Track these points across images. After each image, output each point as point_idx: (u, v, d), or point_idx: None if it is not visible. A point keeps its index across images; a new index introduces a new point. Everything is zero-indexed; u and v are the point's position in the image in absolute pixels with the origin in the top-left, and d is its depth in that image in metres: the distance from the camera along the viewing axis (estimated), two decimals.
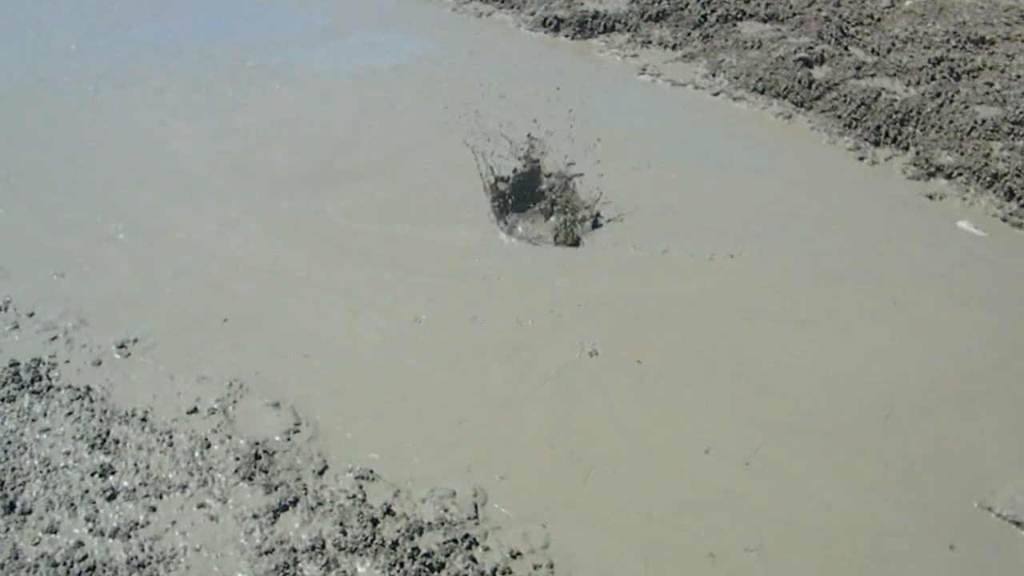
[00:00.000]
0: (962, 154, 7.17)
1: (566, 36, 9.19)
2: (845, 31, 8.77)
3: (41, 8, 10.21)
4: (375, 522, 4.23)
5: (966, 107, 7.61)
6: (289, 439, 4.72)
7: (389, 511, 4.30)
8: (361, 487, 4.45)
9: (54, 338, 5.43)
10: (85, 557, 4.04)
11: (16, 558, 4.04)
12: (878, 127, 7.54)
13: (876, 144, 7.45)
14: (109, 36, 9.43)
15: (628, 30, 9.16)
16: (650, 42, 8.97)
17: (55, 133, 7.68)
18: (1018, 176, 6.86)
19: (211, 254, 6.22)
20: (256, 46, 9.19)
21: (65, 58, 9.01)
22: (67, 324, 5.54)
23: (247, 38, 9.40)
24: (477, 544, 4.17)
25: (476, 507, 4.37)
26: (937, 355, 5.38)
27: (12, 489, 4.39)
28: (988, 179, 6.93)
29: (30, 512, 4.28)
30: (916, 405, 5.02)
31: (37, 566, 4.00)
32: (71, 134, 7.66)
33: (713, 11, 9.21)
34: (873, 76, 8.16)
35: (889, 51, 8.46)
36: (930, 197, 6.89)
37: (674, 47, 8.88)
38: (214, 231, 6.46)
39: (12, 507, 4.30)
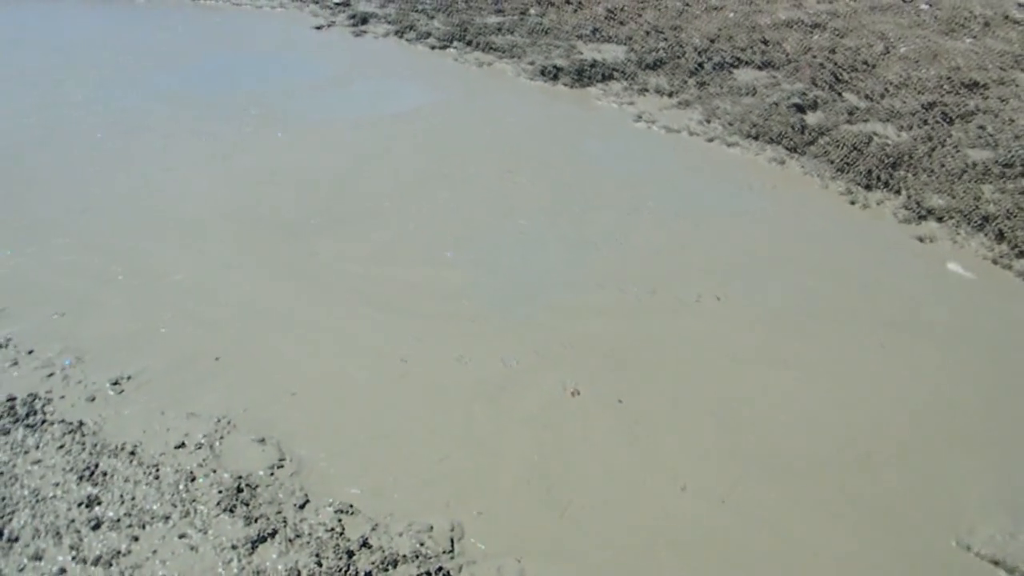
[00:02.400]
0: (953, 197, 7.26)
1: (564, 85, 9.35)
2: (839, 77, 8.90)
3: (53, 60, 10.46)
4: (351, 554, 4.32)
5: (957, 150, 7.71)
6: (272, 474, 4.82)
7: (365, 544, 4.39)
8: (340, 520, 4.54)
9: (51, 375, 5.57)
10: None
11: None
12: (870, 171, 7.64)
13: (868, 188, 7.55)
14: (118, 86, 9.66)
15: (625, 78, 9.32)
16: (647, 90, 9.12)
17: (62, 179, 7.87)
18: (1008, 218, 6.95)
19: (206, 295, 6.36)
20: (260, 95, 9.40)
21: (75, 108, 9.23)
22: (64, 361, 5.68)
23: (252, 87, 9.61)
24: None
25: (452, 541, 4.45)
26: (920, 395, 5.46)
27: (1, 518, 4.52)
28: (979, 221, 7.02)
29: (17, 539, 4.39)
30: (897, 444, 5.08)
31: None
32: (78, 180, 7.84)
33: (709, 59, 9.37)
34: (866, 121, 8.28)
35: (882, 96, 8.58)
36: (921, 240, 6.97)
37: (670, 94, 9.03)
38: (210, 273, 6.61)
39: (0, 534, 4.42)
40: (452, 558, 4.35)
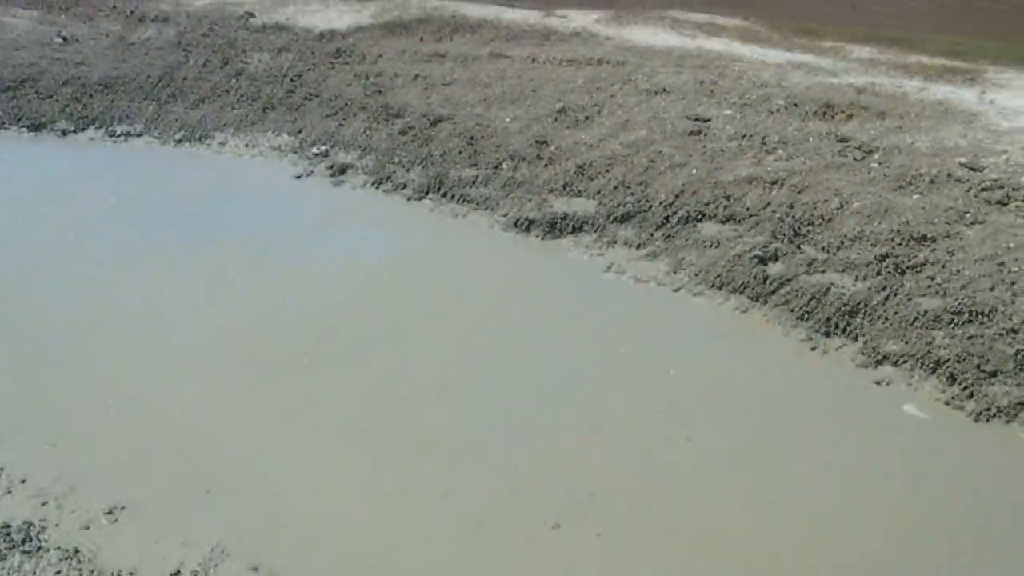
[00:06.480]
0: (907, 343, 7.66)
1: (536, 236, 9.75)
2: (798, 231, 9.38)
3: (39, 199, 10.70)
4: None
5: (910, 299, 8.15)
6: None
7: None
8: None
9: (44, 503, 5.75)
10: None
11: None
12: (828, 319, 8.05)
13: (827, 335, 7.94)
14: (105, 228, 9.92)
15: (595, 230, 9.74)
16: (615, 242, 9.55)
17: (53, 314, 8.10)
18: (958, 362, 7.35)
19: (197, 428, 6.59)
20: (243, 240, 9.70)
21: (65, 244, 9.48)
22: (57, 490, 5.86)
23: (235, 233, 9.92)
24: None
25: None
26: (876, 523, 5.80)
27: None
28: (931, 365, 7.41)
29: None
30: (853, 570, 5.38)
31: None
32: (68, 315, 8.08)
33: (675, 213, 9.84)
34: (824, 272, 8.72)
35: (838, 248, 9.06)
36: (877, 383, 7.34)
37: (638, 246, 9.46)
38: (200, 407, 6.85)
39: None
40: None
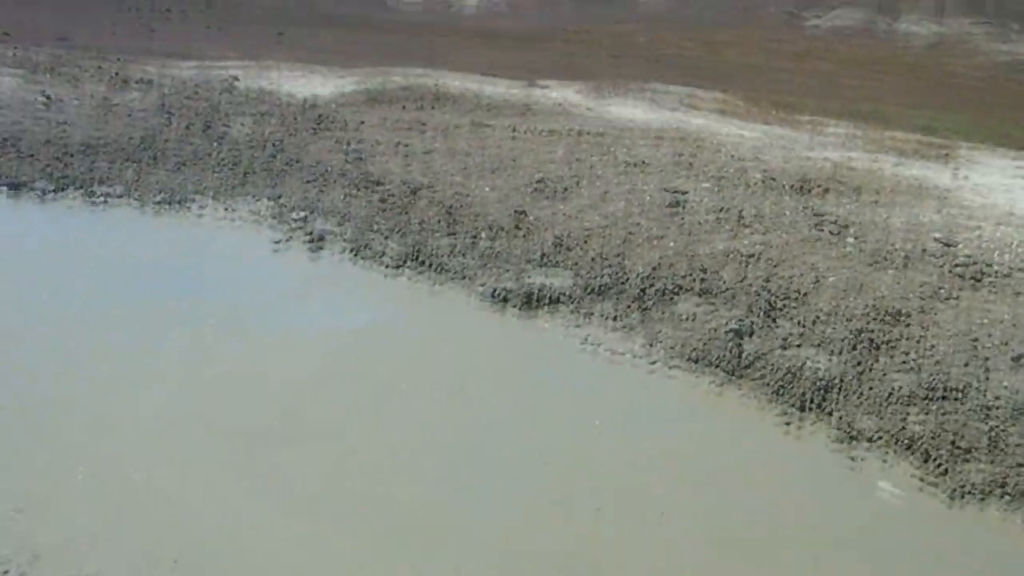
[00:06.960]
0: (881, 419, 7.68)
1: (513, 307, 9.76)
2: (773, 305, 9.44)
3: (19, 264, 10.69)
4: None
5: (884, 375, 8.19)
6: None
7: None
8: None
9: (6, 572, 5.64)
10: None
11: None
12: (803, 395, 8.07)
13: (801, 411, 7.95)
14: (82, 291, 9.88)
15: (572, 303, 9.76)
16: (592, 315, 9.56)
17: (23, 380, 8.01)
18: (933, 439, 7.36)
19: (165, 498, 6.50)
20: (221, 307, 9.66)
21: (38, 310, 9.40)
22: (20, 559, 5.76)
23: (213, 299, 9.88)
24: None
25: None
26: None
27: None
28: (906, 443, 7.42)
29: None
30: None
31: None
32: (38, 382, 7.99)
33: (652, 286, 9.88)
34: (799, 347, 8.76)
35: (814, 323, 9.11)
36: (852, 460, 7.34)
37: (614, 319, 9.48)
38: (170, 477, 6.76)
39: None
40: None
